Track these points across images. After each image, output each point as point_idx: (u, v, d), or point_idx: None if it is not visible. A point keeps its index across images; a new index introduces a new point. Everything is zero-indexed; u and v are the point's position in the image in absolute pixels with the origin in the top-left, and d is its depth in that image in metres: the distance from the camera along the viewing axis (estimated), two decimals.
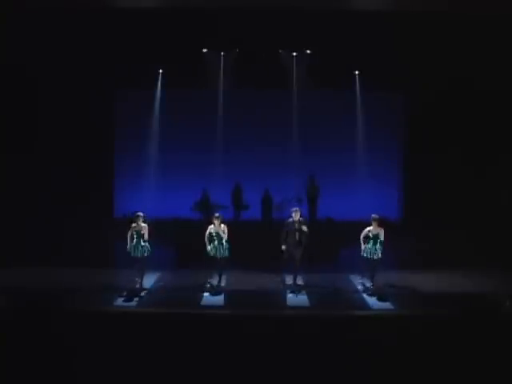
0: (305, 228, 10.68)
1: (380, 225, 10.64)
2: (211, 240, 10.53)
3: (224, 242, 10.54)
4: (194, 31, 13.89)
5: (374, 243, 10.54)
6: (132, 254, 10.42)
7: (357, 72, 15.68)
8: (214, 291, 10.35)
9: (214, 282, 10.60)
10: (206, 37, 14.31)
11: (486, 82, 14.06)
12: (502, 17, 12.43)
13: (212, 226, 10.60)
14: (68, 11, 12.72)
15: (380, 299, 10.00)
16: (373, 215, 10.69)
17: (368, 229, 10.63)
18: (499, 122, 14.51)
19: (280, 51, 15.23)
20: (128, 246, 10.38)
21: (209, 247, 10.51)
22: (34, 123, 14.81)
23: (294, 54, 15.36)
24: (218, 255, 10.52)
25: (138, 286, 10.40)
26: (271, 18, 13.08)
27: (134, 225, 10.44)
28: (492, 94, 14.32)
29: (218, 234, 10.52)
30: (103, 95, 15.46)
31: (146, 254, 10.42)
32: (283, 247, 10.75)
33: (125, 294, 10.09)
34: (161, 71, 15.74)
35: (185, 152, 15.87)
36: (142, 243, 10.38)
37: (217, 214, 10.80)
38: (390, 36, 13.54)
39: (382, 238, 10.54)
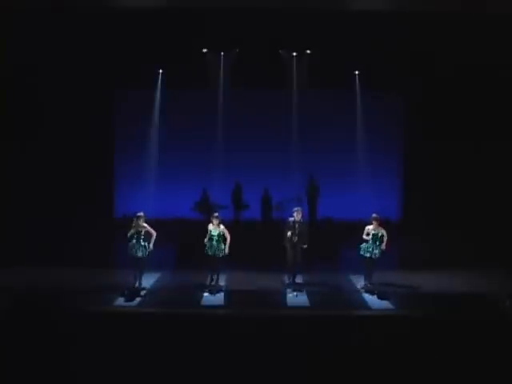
0: (305, 245, 10.71)
1: (380, 224, 10.63)
2: (210, 239, 10.54)
3: (222, 241, 10.54)
4: (194, 31, 13.89)
5: (374, 242, 10.52)
6: (132, 254, 10.41)
7: (357, 72, 15.68)
8: (214, 290, 10.34)
9: (212, 282, 10.59)
10: (206, 37, 14.31)
11: (486, 82, 14.07)
12: (501, 17, 12.43)
13: (211, 225, 10.62)
14: (68, 11, 12.73)
15: (380, 297, 10.00)
16: (373, 215, 10.67)
17: (368, 227, 10.62)
18: (500, 122, 14.51)
19: (280, 51, 15.23)
20: (128, 247, 10.38)
21: (207, 245, 10.52)
22: (34, 123, 14.81)
23: (294, 54, 15.37)
24: (216, 254, 10.52)
25: (136, 285, 10.40)
26: (271, 18, 13.07)
27: (134, 225, 10.43)
28: (492, 94, 14.32)
29: (216, 233, 10.52)
30: (103, 95, 15.47)
31: (145, 254, 10.41)
32: (287, 245, 10.71)
33: (126, 293, 10.08)
34: (161, 71, 15.74)
35: (185, 152, 15.89)
36: (142, 243, 10.38)
37: (215, 214, 10.80)
38: (390, 36, 13.54)
39: (381, 237, 10.52)
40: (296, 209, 10.95)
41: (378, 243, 10.51)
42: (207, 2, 12.74)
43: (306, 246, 10.72)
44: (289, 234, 10.67)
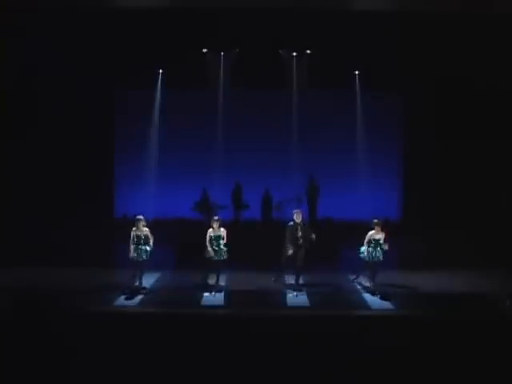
0: (313, 236, 10.63)
1: (382, 229, 10.58)
2: (211, 243, 10.51)
3: (222, 245, 10.53)
4: (194, 31, 13.90)
5: (375, 247, 10.47)
6: (133, 258, 10.40)
7: (357, 72, 15.68)
8: (214, 290, 10.34)
9: (212, 282, 10.59)
10: (206, 37, 14.32)
11: (486, 82, 14.06)
12: (501, 17, 12.43)
13: (211, 229, 10.58)
14: (68, 11, 12.73)
15: (383, 298, 9.99)
16: (375, 220, 10.60)
17: (371, 233, 10.56)
18: (500, 122, 14.51)
19: (280, 51, 15.24)
20: (131, 253, 10.34)
21: (209, 250, 10.48)
22: (34, 123, 14.81)
23: (294, 54, 15.37)
24: (217, 258, 10.50)
25: (137, 285, 10.41)
26: (271, 18, 13.08)
27: (134, 228, 10.42)
28: (492, 93, 14.32)
29: (216, 237, 10.50)
30: (103, 95, 15.47)
31: (144, 258, 10.40)
32: (290, 252, 10.53)
33: (126, 292, 10.09)
34: (161, 71, 15.75)
35: (185, 152, 15.90)
36: (142, 247, 10.37)
37: (216, 217, 10.77)
38: (391, 36, 13.55)
39: (383, 242, 10.48)
40: (296, 211, 10.87)
41: (379, 248, 10.47)
42: (207, 2, 12.75)
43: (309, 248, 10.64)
44: (290, 252, 10.53)
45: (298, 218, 10.67)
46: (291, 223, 10.69)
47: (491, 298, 9.69)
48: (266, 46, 14.29)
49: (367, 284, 10.65)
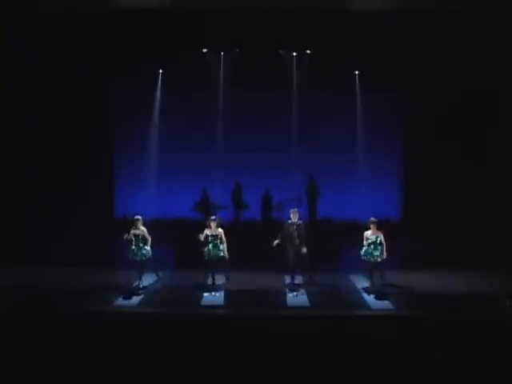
0: (304, 250, 10.65)
1: (378, 228, 10.59)
2: (207, 242, 10.51)
3: (220, 244, 10.52)
4: (194, 31, 13.90)
5: (375, 247, 10.47)
6: (131, 258, 10.42)
7: (357, 72, 15.67)
8: (213, 290, 10.34)
9: (210, 282, 10.60)
10: (206, 37, 14.31)
11: (486, 82, 14.07)
12: (500, 17, 12.44)
13: (208, 229, 10.58)
14: (68, 11, 12.74)
15: (378, 298, 9.99)
16: (371, 218, 10.63)
17: (367, 232, 10.58)
18: (500, 122, 14.51)
19: (280, 51, 15.24)
20: (128, 252, 10.36)
21: (205, 249, 10.49)
22: (35, 123, 14.82)
23: (294, 54, 15.37)
24: (214, 257, 10.51)
25: (136, 284, 10.42)
26: (271, 18, 13.08)
27: (133, 227, 10.43)
28: (492, 93, 14.33)
29: (214, 236, 10.51)
30: (103, 95, 15.47)
31: (145, 258, 10.42)
32: (276, 241, 10.70)
33: (127, 292, 10.10)
34: (161, 71, 15.74)
35: (185, 152, 15.89)
36: (141, 245, 10.37)
37: (213, 217, 10.79)
38: (390, 36, 13.55)
39: (381, 241, 10.48)
40: (293, 210, 10.94)
41: (378, 247, 10.46)
42: (207, 2, 12.75)
43: (305, 250, 10.67)
44: (276, 241, 10.70)
45: (294, 217, 10.75)
46: (289, 221, 10.81)
47: (491, 298, 9.69)
48: (266, 45, 14.28)
49: (368, 285, 10.64)
